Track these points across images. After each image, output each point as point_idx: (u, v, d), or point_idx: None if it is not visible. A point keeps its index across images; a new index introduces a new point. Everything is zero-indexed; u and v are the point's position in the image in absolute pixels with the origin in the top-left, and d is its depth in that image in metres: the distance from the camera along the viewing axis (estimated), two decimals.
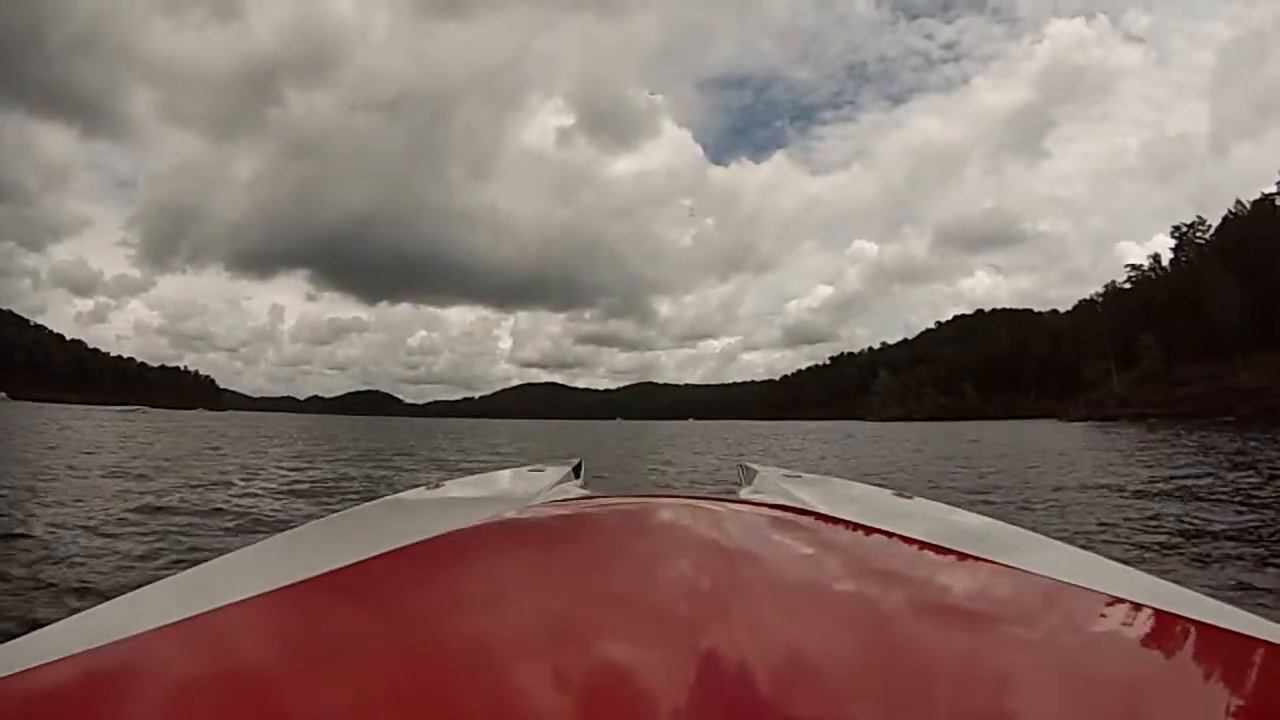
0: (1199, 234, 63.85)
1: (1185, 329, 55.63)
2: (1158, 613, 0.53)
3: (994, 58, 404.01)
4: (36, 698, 0.39)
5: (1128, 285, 71.59)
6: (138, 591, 0.63)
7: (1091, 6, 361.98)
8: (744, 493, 1.51)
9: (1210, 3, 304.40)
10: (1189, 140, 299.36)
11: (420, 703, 0.37)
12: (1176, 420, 34.78)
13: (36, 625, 0.55)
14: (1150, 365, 58.54)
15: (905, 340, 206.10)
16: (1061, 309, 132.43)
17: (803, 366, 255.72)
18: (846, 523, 0.74)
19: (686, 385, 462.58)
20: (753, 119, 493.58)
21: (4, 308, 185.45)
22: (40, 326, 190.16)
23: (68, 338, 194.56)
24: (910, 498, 1.25)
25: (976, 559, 0.62)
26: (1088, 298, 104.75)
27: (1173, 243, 66.26)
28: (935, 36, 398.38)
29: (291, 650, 0.45)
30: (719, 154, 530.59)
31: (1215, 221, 63.21)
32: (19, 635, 0.51)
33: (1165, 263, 67.13)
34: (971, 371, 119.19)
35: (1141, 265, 70.52)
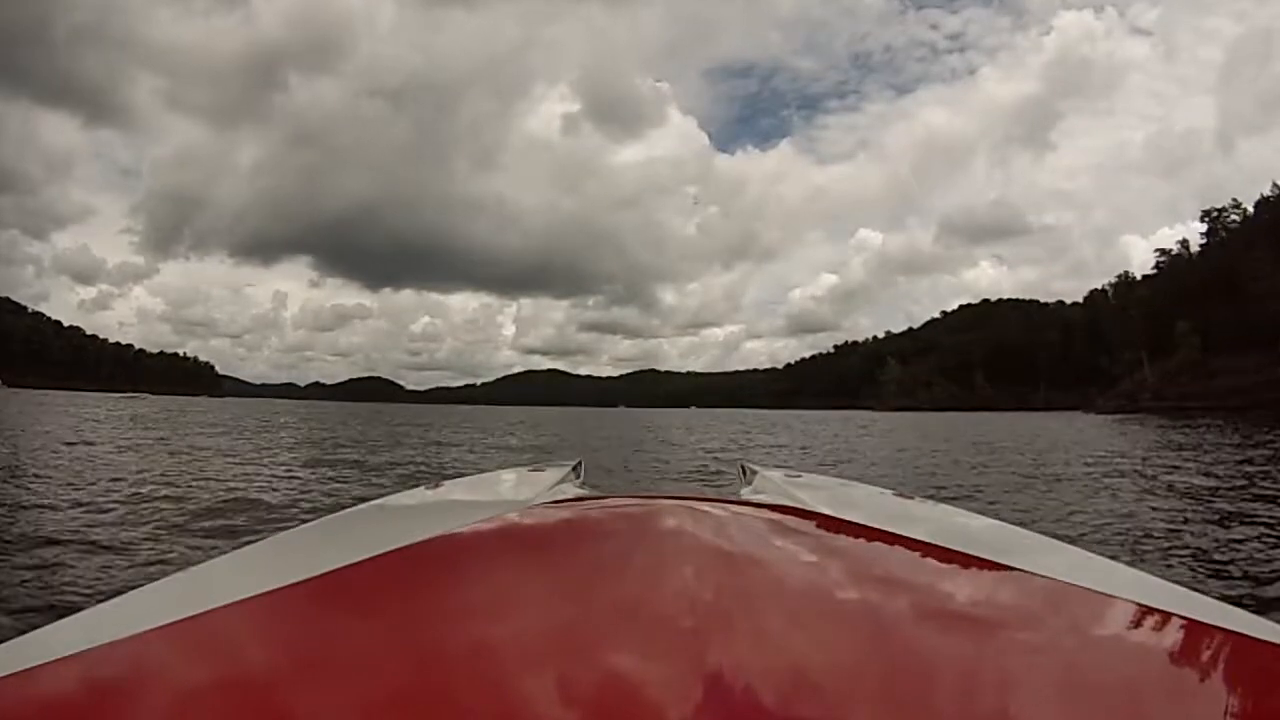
0: (1233, 217, 60.89)
1: (1222, 316, 52.68)
2: (1162, 614, 0.53)
3: (1000, 49, 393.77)
4: (35, 698, 0.39)
5: (1154, 271, 68.96)
6: (135, 592, 0.63)
7: None
8: (744, 493, 1.50)
9: None
10: (1195, 135, 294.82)
11: (419, 704, 0.36)
12: (1223, 413, 32.26)
13: (34, 625, 0.54)
14: (1188, 354, 55.15)
15: (910, 330, 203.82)
16: (1067, 301, 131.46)
17: (806, 355, 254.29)
18: (848, 523, 0.73)
19: (689, 373, 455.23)
20: (758, 108, 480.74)
21: (1, 294, 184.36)
22: (38, 313, 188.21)
23: (65, 324, 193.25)
24: (912, 498, 1.26)
25: (980, 560, 0.62)
26: (1100, 288, 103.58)
27: (1203, 227, 63.46)
28: (941, 27, 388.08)
29: (290, 651, 0.45)
30: (724, 142, 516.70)
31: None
32: (17, 635, 0.51)
33: (1194, 248, 64.27)
34: (982, 362, 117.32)
35: (1170, 250, 67.88)
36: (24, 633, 0.52)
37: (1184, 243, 67.03)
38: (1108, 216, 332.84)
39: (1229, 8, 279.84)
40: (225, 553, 0.78)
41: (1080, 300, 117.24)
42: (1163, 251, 69.22)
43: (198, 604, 0.47)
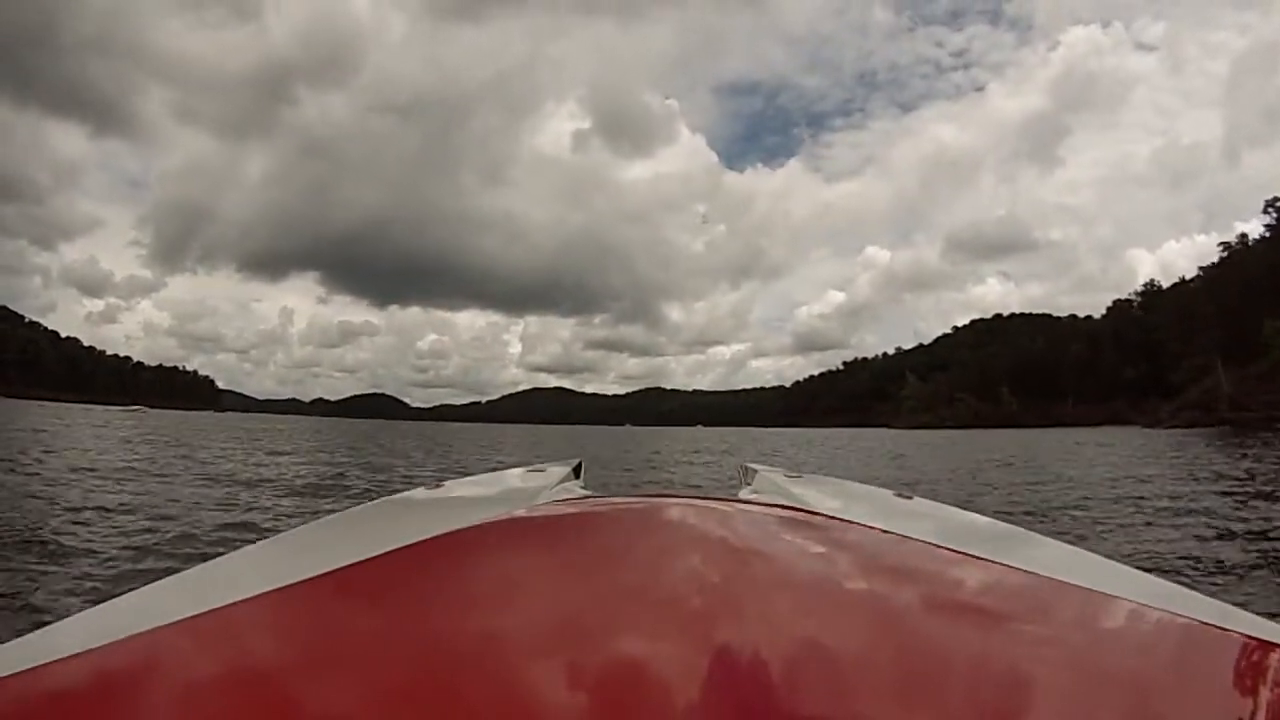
0: None
1: None
2: (1156, 612, 0.53)
3: (1004, 65, 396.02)
4: (49, 694, 0.40)
5: (1213, 267, 63.38)
6: (147, 588, 0.64)
7: (1106, 14, 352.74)
8: (744, 493, 1.53)
9: (1223, 12, 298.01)
10: (1201, 148, 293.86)
11: (430, 698, 0.37)
12: None
13: (47, 621, 0.54)
14: (1278, 356, 48.52)
15: (921, 345, 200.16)
16: (1080, 314, 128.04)
17: (812, 373, 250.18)
18: (847, 522, 0.74)
19: (695, 391, 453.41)
20: (766, 125, 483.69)
21: None
22: (35, 323, 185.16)
23: (63, 335, 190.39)
24: (910, 498, 1.26)
25: (977, 558, 0.62)
26: (1125, 298, 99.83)
27: (1270, 219, 58.49)
28: (946, 44, 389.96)
29: (302, 646, 0.45)
30: (733, 160, 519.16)
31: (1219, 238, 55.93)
32: (30, 631, 0.51)
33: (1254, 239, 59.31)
34: (1006, 376, 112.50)
35: (1230, 243, 62.73)
36: (36, 629, 0.53)
37: (1243, 237, 62.68)
38: (1114, 230, 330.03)
39: (1234, 21, 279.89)
40: (234, 550, 0.81)
41: (1092, 314, 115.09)
42: (1225, 245, 64.08)
43: (210, 600, 0.48)
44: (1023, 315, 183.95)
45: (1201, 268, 66.60)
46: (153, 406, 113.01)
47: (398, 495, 1.25)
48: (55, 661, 0.41)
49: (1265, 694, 0.43)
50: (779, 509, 0.80)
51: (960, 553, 0.63)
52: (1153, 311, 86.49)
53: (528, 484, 1.43)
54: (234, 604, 0.48)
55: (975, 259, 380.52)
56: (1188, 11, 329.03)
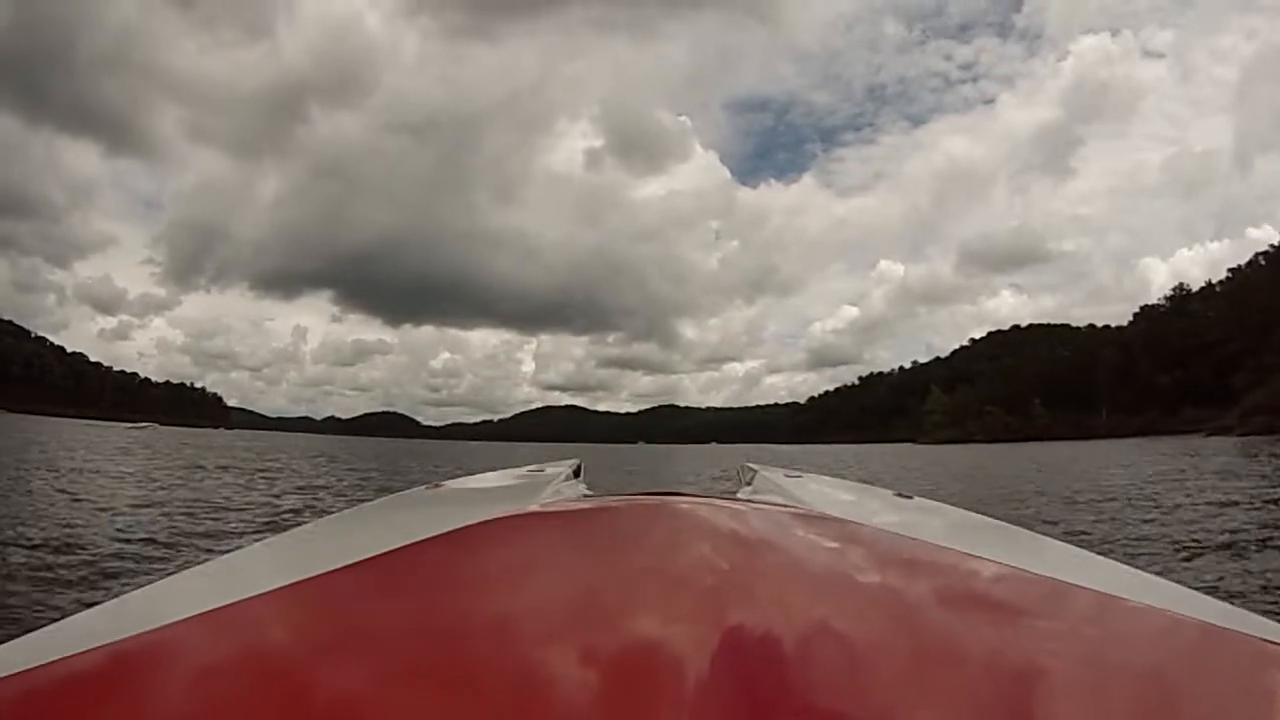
0: None
1: None
2: (1160, 612, 0.53)
3: (1012, 77, 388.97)
4: (67, 687, 0.40)
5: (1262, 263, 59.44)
6: (163, 582, 0.65)
7: (1114, 23, 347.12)
8: (744, 493, 1.54)
9: (1229, 17, 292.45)
10: (1211, 155, 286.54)
11: (445, 688, 0.38)
12: None
13: (65, 614, 0.55)
14: None
15: (939, 359, 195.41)
16: (1098, 324, 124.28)
17: (826, 389, 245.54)
18: (847, 522, 0.73)
19: (709, 408, 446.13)
20: (779, 141, 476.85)
21: (3, 318, 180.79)
22: (41, 338, 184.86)
23: (69, 350, 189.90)
24: (910, 497, 1.27)
25: (978, 557, 0.62)
26: (1155, 303, 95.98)
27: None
28: (954, 57, 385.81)
29: (317, 641, 0.46)
30: (746, 176, 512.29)
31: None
32: (47, 625, 0.52)
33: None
34: (1036, 388, 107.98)
35: None
36: (54, 621, 0.53)
37: None
38: (1127, 240, 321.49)
39: (1240, 26, 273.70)
40: (245, 546, 0.82)
41: (1109, 324, 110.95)
42: None
43: (225, 594, 0.49)
44: (1041, 326, 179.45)
45: (1230, 269, 62.23)
46: (161, 423, 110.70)
47: (400, 494, 1.27)
48: (78, 654, 0.41)
49: (1270, 696, 0.42)
50: (780, 507, 0.79)
51: (961, 553, 0.63)
52: (1185, 316, 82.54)
53: (528, 484, 1.45)
54: (247, 599, 0.49)
55: (988, 271, 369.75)
56: (1195, 17, 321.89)
